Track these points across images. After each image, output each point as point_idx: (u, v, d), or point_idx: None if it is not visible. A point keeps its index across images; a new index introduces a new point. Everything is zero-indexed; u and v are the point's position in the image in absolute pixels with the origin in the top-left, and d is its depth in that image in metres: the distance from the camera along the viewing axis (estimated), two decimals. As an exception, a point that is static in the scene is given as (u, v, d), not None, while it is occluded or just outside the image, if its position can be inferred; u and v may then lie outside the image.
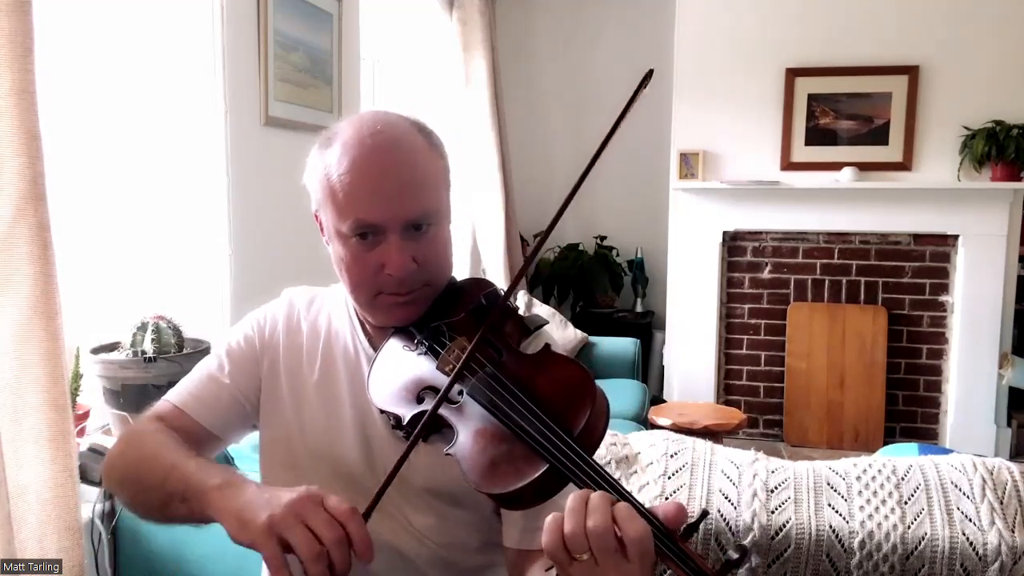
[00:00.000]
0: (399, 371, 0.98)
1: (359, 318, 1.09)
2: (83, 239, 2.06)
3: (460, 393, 0.89)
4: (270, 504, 0.80)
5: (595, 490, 0.75)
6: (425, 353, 0.97)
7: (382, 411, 0.98)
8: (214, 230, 2.31)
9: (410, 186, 0.96)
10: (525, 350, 0.97)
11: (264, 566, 1.13)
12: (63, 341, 1.41)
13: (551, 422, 0.80)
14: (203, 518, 0.89)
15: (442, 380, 0.91)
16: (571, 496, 0.74)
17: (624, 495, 0.75)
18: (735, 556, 0.73)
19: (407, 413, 0.92)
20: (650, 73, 0.92)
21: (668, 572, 0.75)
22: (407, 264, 0.95)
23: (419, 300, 1.00)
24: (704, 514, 0.77)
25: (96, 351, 1.95)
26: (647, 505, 0.75)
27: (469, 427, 0.86)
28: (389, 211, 0.95)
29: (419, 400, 0.93)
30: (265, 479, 1.11)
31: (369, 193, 0.94)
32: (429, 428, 0.89)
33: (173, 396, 1.10)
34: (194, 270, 2.31)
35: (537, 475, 0.77)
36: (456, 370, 0.88)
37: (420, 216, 0.96)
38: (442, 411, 0.88)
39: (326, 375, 1.08)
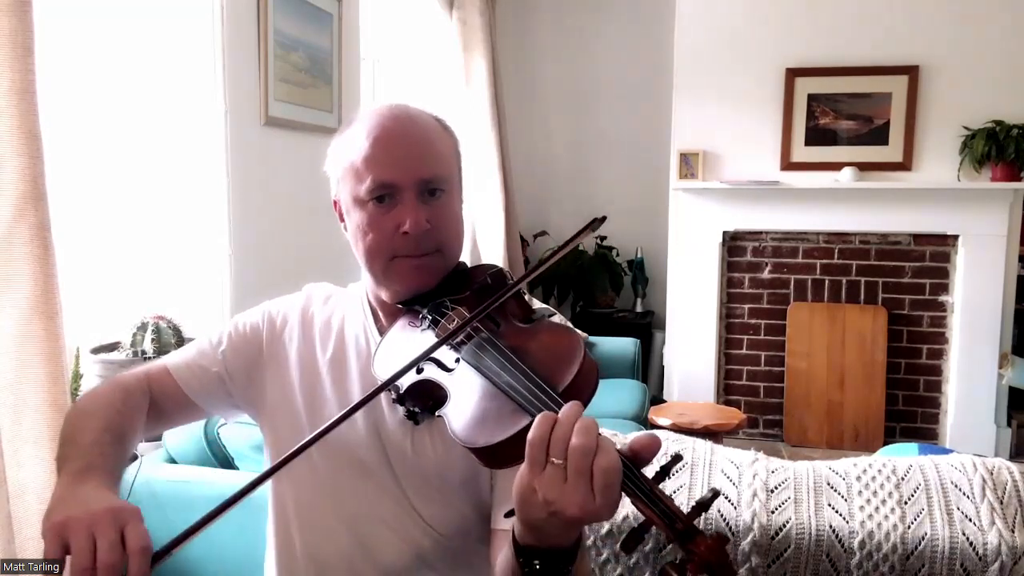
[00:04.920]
0: (402, 347, 1.00)
1: (372, 312, 1.12)
2: (83, 239, 2.06)
3: (456, 361, 0.91)
4: (79, 506, 0.81)
5: None
6: (428, 327, 1.00)
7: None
8: (214, 230, 2.31)
9: (424, 149, 1.02)
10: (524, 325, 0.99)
11: (268, 547, 1.14)
12: (63, 341, 1.41)
13: (538, 380, 0.81)
14: None
15: (441, 348, 0.92)
16: (567, 405, 0.75)
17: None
18: (708, 496, 0.73)
19: (405, 383, 0.94)
20: (602, 219, 0.98)
21: (643, 518, 0.74)
22: (421, 222, 0.99)
23: (432, 267, 1.03)
24: (676, 458, 0.76)
25: (96, 351, 1.95)
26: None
27: (461, 390, 0.88)
28: (405, 169, 1.00)
29: (419, 371, 0.94)
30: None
31: (386, 154, 1.00)
32: (423, 395, 0.91)
33: (168, 358, 1.16)
34: (194, 270, 2.31)
35: (521, 427, 0.78)
36: (452, 330, 0.90)
37: (433, 177, 1.01)
38: (437, 377, 0.90)
39: (337, 366, 1.10)
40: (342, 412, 0.86)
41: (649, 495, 0.73)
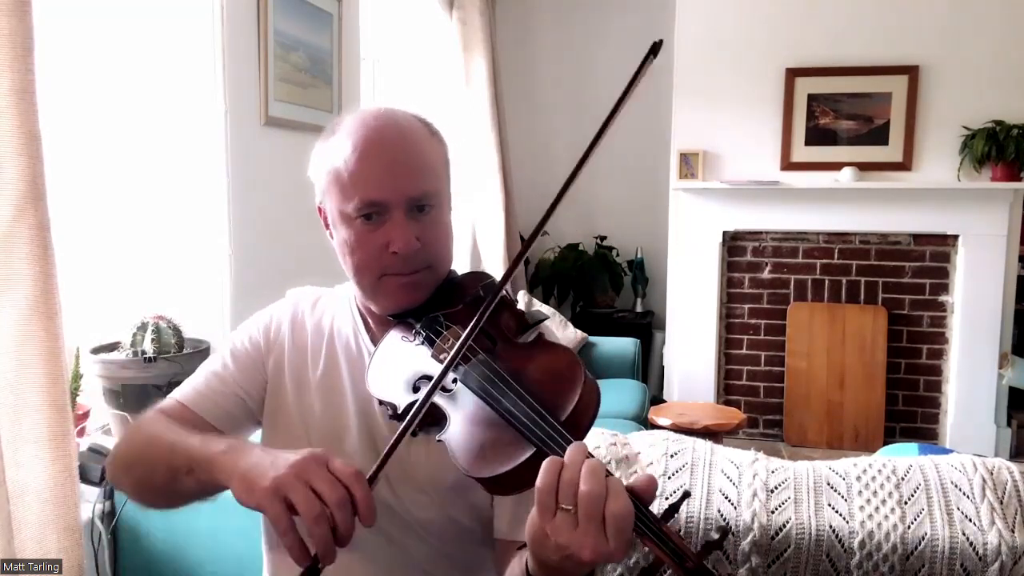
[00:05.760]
0: (396, 362, 0.99)
1: (362, 316, 1.10)
2: (83, 239, 2.06)
3: (454, 381, 0.90)
4: (275, 465, 0.81)
5: None
6: (422, 343, 0.98)
7: (381, 402, 0.99)
8: (214, 230, 2.31)
9: (413, 165, 0.99)
10: (520, 340, 0.98)
11: (265, 564, 1.14)
12: (63, 341, 1.41)
13: (539, 407, 0.80)
14: (211, 486, 0.89)
15: (436, 368, 0.91)
16: (571, 448, 0.74)
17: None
18: (716, 536, 0.73)
19: (402, 402, 0.93)
20: (659, 43, 0.92)
21: (648, 551, 0.74)
22: (411, 241, 0.97)
23: (422, 283, 1.01)
24: (685, 495, 0.77)
25: (96, 351, 1.95)
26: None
27: (461, 413, 0.87)
28: (393, 188, 0.97)
29: (415, 389, 0.93)
30: None
31: (374, 172, 0.97)
32: (424, 416, 0.90)
33: (176, 393, 1.12)
34: (194, 270, 2.31)
35: (523, 459, 0.77)
36: (450, 358, 0.88)
37: (422, 195, 0.99)
38: (435, 399, 0.89)
39: (329, 372, 1.09)
40: (378, 462, 0.84)
41: (659, 535, 0.72)
